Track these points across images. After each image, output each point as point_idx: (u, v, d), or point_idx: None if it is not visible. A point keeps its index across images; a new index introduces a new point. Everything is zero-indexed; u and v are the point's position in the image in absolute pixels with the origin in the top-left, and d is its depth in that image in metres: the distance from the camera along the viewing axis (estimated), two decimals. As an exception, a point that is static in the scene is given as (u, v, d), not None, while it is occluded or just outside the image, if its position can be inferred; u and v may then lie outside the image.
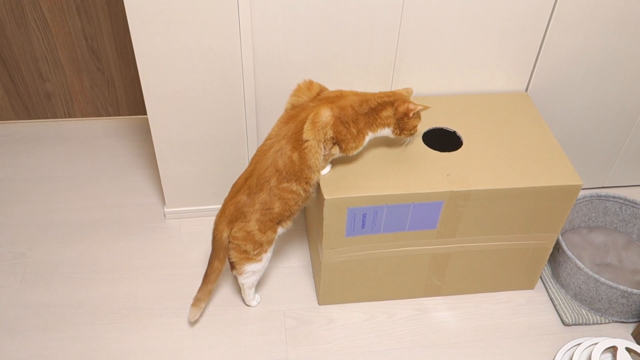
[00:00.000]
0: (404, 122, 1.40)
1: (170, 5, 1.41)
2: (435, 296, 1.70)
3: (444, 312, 1.66)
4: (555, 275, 1.73)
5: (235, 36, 1.49)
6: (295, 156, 1.36)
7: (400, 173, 1.44)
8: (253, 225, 1.44)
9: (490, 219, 1.49)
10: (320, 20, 1.50)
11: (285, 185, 1.39)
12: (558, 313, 1.67)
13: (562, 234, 1.79)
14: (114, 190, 1.99)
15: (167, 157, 1.73)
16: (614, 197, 1.82)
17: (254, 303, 1.64)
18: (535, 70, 1.69)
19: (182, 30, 1.46)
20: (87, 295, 1.67)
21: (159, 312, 1.63)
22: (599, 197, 1.82)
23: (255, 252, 1.49)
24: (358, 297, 1.66)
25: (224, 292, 1.69)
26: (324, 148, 1.37)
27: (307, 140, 1.34)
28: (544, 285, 1.75)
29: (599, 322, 1.65)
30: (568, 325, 1.65)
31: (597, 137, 1.90)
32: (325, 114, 1.33)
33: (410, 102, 1.39)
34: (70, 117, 2.24)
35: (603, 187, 2.07)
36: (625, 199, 1.81)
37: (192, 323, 1.59)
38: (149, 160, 2.11)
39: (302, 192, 1.42)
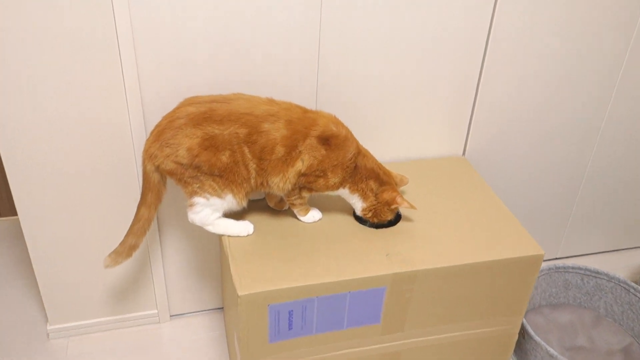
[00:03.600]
0: (380, 207, 1.28)
1: (38, 71, 1.18)
2: (387, 406, 1.40)
3: None
4: (523, 365, 1.49)
5: (122, 109, 1.28)
6: (281, 150, 1.18)
7: (331, 256, 1.22)
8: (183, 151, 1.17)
9: (442, 304, 1.28)
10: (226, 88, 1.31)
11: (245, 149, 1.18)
12: (533, 413, 1.41)
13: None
14: (-15, 307, 1.68)
15: (45, 263, 1.47)
16: (573, 267, 1.68)
17: (242, 231, 1.28)
18: (470, 132, 1.58)
19: (56, 100, 1.24)
20: None
21: None
22: (557, 269, 1.66)
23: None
24: (292, 419, 1.35)
25: None
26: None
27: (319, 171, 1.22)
28: (512, 379, 1.50)
29: (582, 418, 1.39)
30: None
31: (544, 201, 1.79)
32: None
33: (399, 194, 1.28)
34: None
35: (557, 259, 1.94)
36: (586, 269, 1.66)
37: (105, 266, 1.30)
38: (26, 268, 1.80)
39: (253, 172, 1.20)
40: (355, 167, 1.25)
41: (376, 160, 1.29)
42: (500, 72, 1.50)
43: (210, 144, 1.15)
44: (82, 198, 1.39)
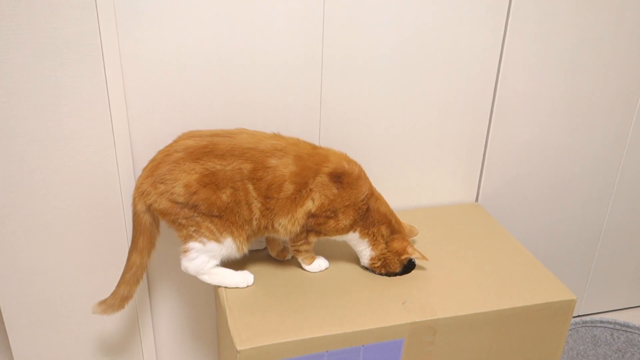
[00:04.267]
0: (390, 257, 1.19)
1: (16, 113, 1.10)
2: None
3: None
4: None
5: (110, 152, 1.19)
6: (290, 187, 1.09)
7: (341, 306, 1.10)
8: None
9: (467, 358, 1.15)
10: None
11: (250, 186, 1.08)
12: None
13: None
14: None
15: (21, 330, 1.33)
16: (601, 322, 1.58)
17: (241, 281, 1.15)
18: (482, 178, 1.51)
19: (36, 144, 1.14)
20: None
21: None
22: (584, 323, 1.56)
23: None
24: None
25: None
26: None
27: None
28: None
29: None
30: None
31: (562, 251, 1.70)
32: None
33: (410, 244, 1.20)
34: None
35: (580, 316, 1.80)
36: (616, 323, 1.57)
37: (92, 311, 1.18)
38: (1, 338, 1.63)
39: (257, 212, 1.09)
40: (368, 209, 1.15)
41: (389, 206, 1.20)
42: (511, 117, 1.46)
43: (210, 181, 1.05)
44: (62, 254, 1.28)
